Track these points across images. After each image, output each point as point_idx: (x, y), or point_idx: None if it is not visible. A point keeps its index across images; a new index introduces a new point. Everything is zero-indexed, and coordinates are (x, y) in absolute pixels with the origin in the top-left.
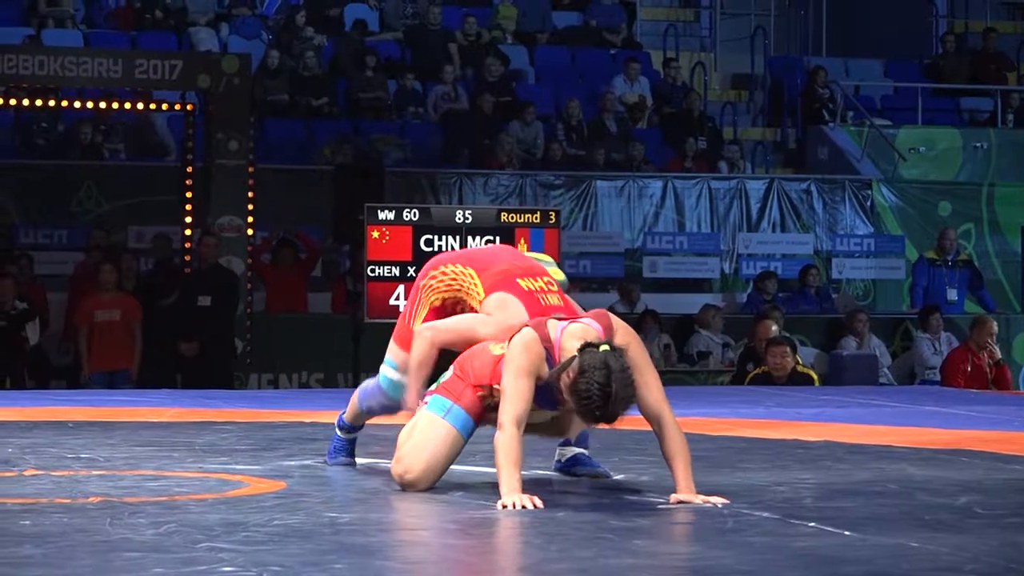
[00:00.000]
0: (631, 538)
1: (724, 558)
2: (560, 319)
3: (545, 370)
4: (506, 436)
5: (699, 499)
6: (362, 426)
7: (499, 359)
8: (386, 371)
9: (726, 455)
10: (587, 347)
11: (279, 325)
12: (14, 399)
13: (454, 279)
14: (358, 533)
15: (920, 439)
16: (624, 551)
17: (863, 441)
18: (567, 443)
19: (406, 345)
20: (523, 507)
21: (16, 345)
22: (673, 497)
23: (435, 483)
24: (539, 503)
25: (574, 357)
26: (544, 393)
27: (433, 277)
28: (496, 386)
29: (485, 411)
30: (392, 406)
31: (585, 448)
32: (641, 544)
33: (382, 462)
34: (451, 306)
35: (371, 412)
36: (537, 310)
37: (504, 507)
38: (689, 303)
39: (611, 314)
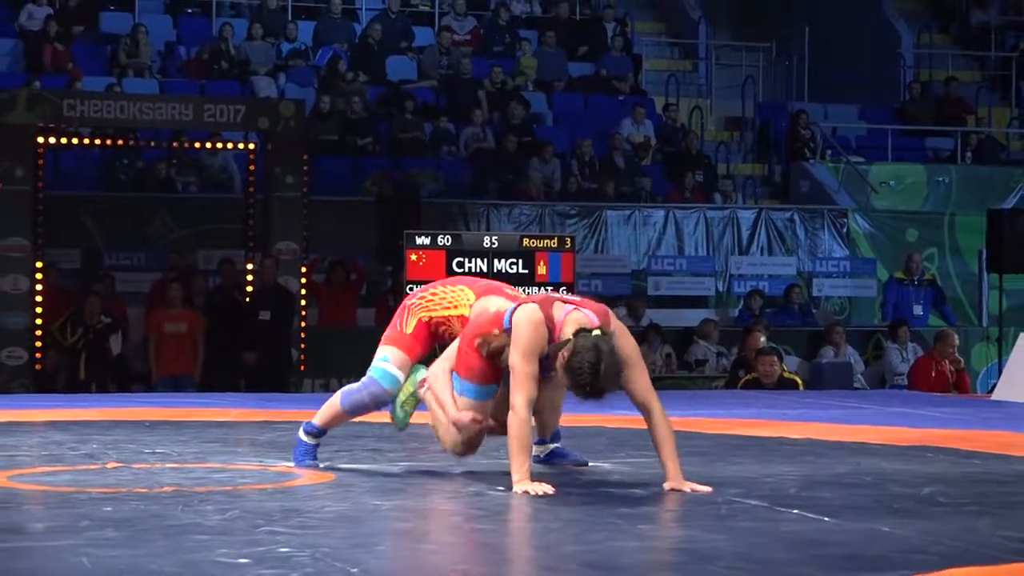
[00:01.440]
0: (636, 523)
1: (718, 540)
2: (566, 303)
3: (546, 347)
4: (518, 421)
5: (688, 487)
6: (326, 432)
7: (498, 314)
8: (381, 364)
9: (720, 450)
10: (582, 331)
11: (330, 337)
12: (98, 401)
13: (444, 296)
14: (399, 519)
15: (890, 437)
16: (630, 534)
17: (841, 439)
18: (543, 441)
19: (400, 345)
20: (536, 494)
21: (101, 354)
22: (666, 485)
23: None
24: (550, 490)
25: (570, 339)
26: (541, 364)
27: (422, 297)
28: (496, 332)
29: (488, 367)
30: (383, 398)
31: (558, 443)
32: (645, 528)
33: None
34: (435, 325)
35: (359, 410)
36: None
37: (523, 493)
38: (688, 317)
39: (611, 312)
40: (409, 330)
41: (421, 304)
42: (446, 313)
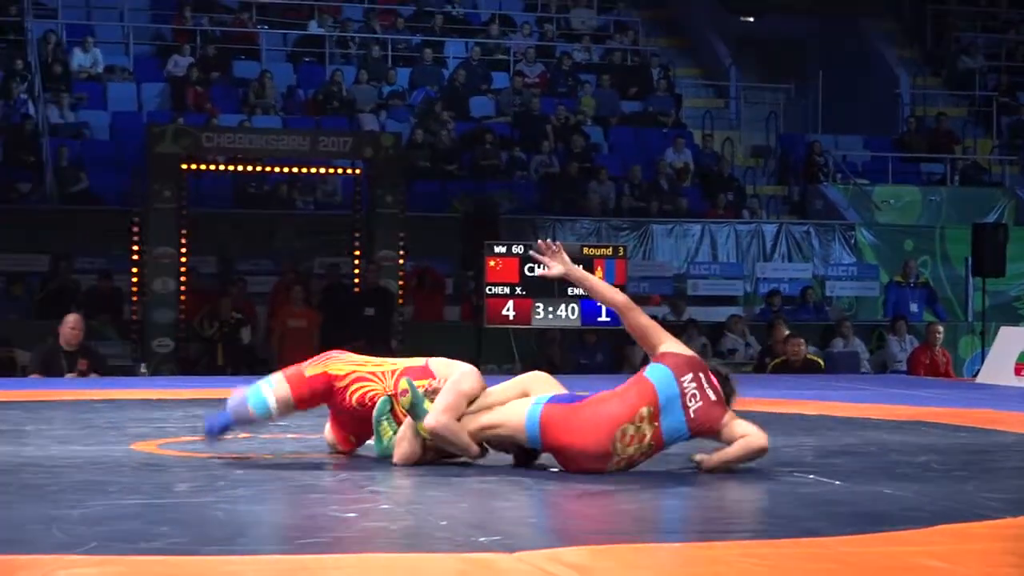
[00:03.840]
0: (677, 486)
1: (746, 499)
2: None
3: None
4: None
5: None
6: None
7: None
8: (262, 387)
9: None
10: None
11: (422, 330)
12: (232, 383)
13: (373, 370)
14: (480, 480)
15: (891, 413)
16: (674, 495)
17: (849, 415)
18: None
19: (292, 384)
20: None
21: (234, 344)
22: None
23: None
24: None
25: None
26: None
27: (354, 363)
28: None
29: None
30: (247, 420)
31: None
32: (684, 490)
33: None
34: (330, 383)
35: (235, 425)
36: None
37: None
38: (720, 314)
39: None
40: (309, 372)
41: (350, 365)
42: (362, 376)
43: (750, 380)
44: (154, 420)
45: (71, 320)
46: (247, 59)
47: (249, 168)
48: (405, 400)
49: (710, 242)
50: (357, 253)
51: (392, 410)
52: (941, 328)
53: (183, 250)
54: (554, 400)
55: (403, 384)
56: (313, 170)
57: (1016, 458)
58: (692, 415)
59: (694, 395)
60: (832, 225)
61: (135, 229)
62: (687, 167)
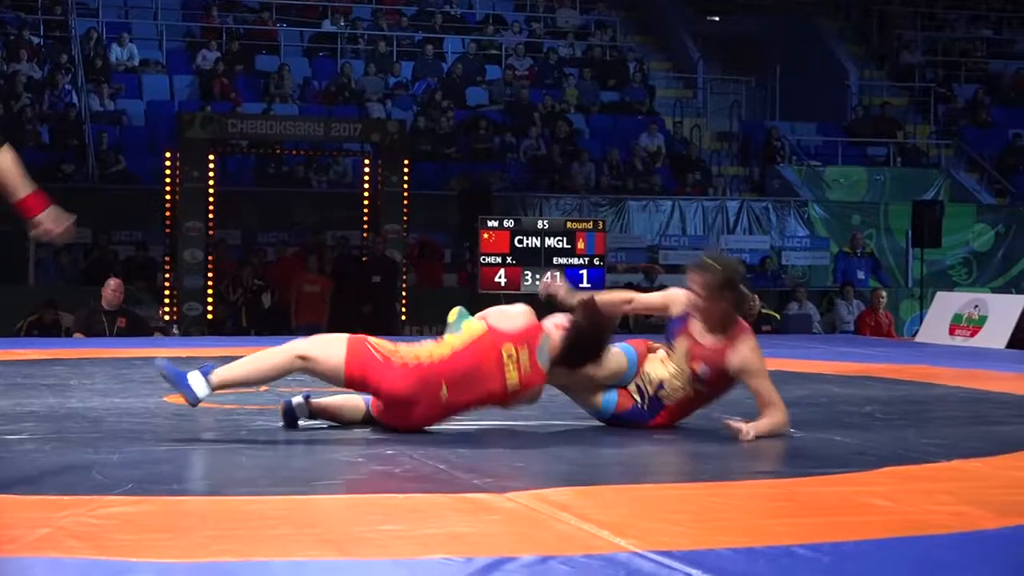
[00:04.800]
0: (653, 437)
1: (712, 447)
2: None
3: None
4: None
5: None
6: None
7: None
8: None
9: None
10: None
11: (424, 295)
12: (254, 342)
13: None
14: (478, 429)
15: (840, 369)
16: (650, 445)
17: (803, 370)
18: None
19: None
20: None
21: (256, 308)
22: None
23: None
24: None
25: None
26: None
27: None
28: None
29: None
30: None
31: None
32: (660, 438)
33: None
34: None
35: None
36: None
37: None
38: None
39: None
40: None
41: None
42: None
43: None
44: None
45: (112, 283)
46: (267, 54)
47: (269, 151)
48: (452, 315)
49: (680, 217)
50: (365, 226)
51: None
52: (884, 293)
53: (210, 224)
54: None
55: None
56: (326, 153)
57: (950, 408)
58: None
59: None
60: (788, 202)
61: (168, 206)
62: (659, 150)
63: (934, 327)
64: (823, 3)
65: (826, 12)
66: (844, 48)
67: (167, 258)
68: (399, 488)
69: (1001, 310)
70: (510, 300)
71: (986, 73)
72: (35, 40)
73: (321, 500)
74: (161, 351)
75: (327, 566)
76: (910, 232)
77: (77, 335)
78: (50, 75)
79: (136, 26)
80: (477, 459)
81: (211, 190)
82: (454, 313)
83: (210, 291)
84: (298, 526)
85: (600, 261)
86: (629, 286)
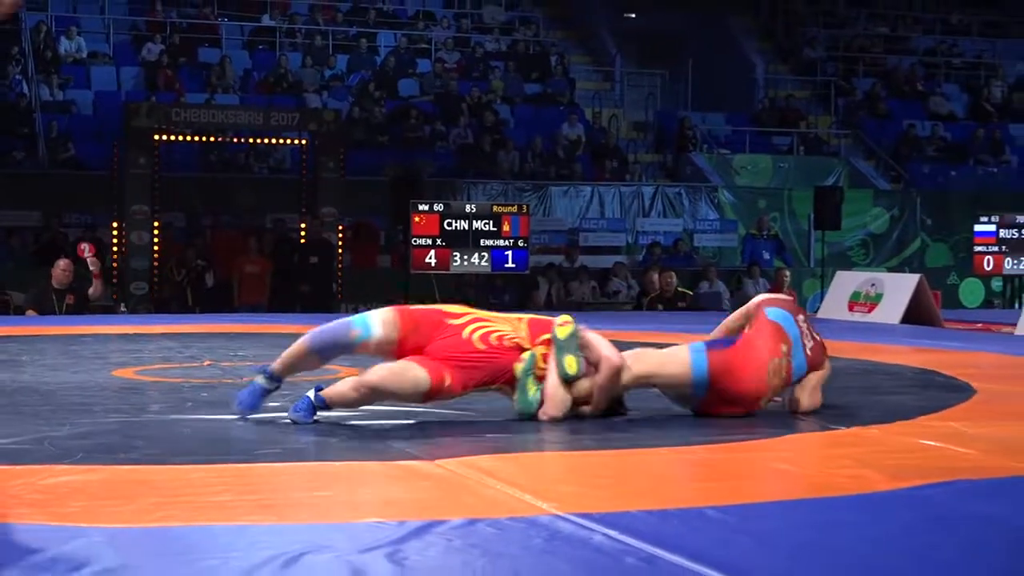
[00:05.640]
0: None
1: (633, 419)
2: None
3: None
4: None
5: None
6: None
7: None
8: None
9: None
10: None
11: (359, 275)
12: (198, 319)
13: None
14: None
15: None
16: (574, 420)
17: None
18: None
19: (400, 309)
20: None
21: (200, 287)
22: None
23: None
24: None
25: None
26: None
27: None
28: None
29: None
30: (345, 340)
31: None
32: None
33: None
34: (441, 319)
35: (328, 353)
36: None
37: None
38: (607, 261)
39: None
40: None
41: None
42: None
43: (631, 317)
44: (132, 351)
45: (62, 263)
46: (210, 47)
47: (212, 139)
48: (565, 330)
49: (599, 201)
50: (303, 210)
51: (534, 368)
52: (788, 273)
53: (156, 208)
54: (712, 346)
55: (564, 316)
56: (266, 141)
57: (849, 380)
58: (808, 353)
59: (807, 334)
60: (699, 187)
61: (115, 190)
62: (580, 139)
63: (834, 304)
64: (733, 2)
65: (736, 10)
66: (752, 44)
67: (114, 240)
68: (336, 456)
69: (896, 288)
70: (441, 279)
71: (883, 68)
72: None
73: (261, 468)
74: (109, 328)
75: (266, 530)
76: (812, 215)
77: (30, 312)
78: (1, 66)
79: (84, 20)
80: (414, 431)
81: (156, 176)
82: (565, 331)
83: (156, 271)
84: (239, 492)
85: (524, 243)
86: (551, 267)
